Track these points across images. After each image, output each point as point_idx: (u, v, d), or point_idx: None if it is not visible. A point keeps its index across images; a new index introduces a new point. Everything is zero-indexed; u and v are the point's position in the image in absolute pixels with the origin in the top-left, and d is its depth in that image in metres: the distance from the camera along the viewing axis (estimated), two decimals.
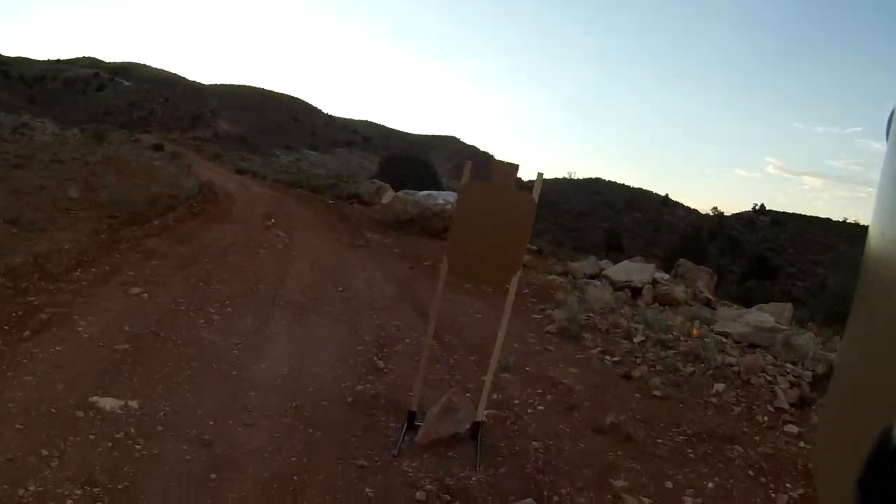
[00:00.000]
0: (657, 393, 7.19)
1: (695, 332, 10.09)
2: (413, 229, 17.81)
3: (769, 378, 7.99)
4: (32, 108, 77.64)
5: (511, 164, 4.91)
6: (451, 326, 8.85)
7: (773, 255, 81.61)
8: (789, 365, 8.78)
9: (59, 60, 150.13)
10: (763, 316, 12.21)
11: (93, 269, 8.67)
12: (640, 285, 13.91)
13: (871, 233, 0.71)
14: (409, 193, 19.44)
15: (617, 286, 13.90)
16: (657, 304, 13.31)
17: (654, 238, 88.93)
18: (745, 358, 8.58)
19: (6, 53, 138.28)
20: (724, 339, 10.17)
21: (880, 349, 0.58)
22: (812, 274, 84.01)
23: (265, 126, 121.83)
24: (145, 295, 7.95)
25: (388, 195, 22.08)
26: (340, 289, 10.06)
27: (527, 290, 11.84)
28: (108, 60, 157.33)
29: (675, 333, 9.73)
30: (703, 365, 8.31)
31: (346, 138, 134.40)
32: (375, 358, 7.03)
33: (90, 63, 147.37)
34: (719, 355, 8.54)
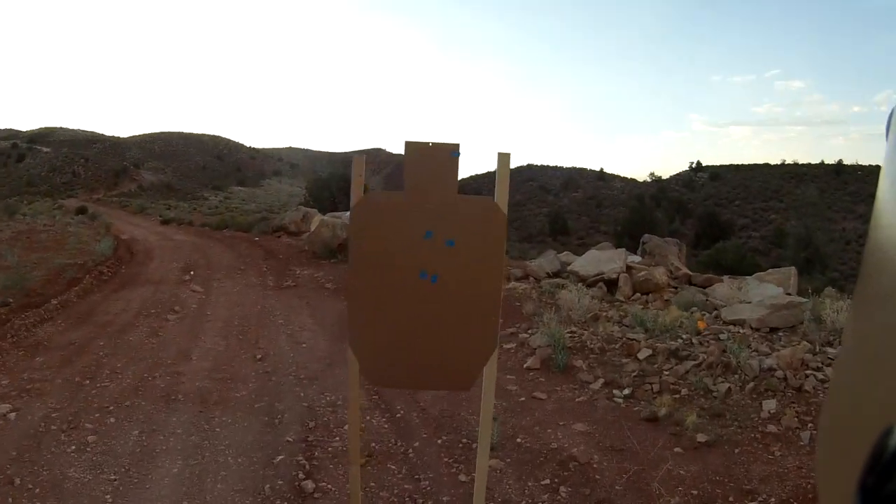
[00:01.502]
0: (701, 439, 5.29)
1: (701, 325, 8.47)
2: (346, 255, 15.79)
3: (818, 375, 6.39)
4: None
5: (444, 145, 2.83)
6: (404, 390, 6.79)
7: (720, 210, 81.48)
8: (830, 349, 7.23)
9: None
10: (769, 289, 10.59)
11: None
12: (614, 276, 12.20)
13: (872, 235, 0.63)
14: (335, 216, 17.69)
15: (588, 281, 12.14)
16: (638, 294, 11.63)
17: (598, 214, 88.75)
18: (778, 353, 6.84)
19: None
20: (741, 330, 8.42)
21: (881, 348, 0.54)
22: (765, 221, 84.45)
23: (190, 170, 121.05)
24: (12, 415, 6.15)
25: (317, 221, 20.08)
26: (259, 356, 8.08)
27: None
28: (24, 129, 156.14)
29: (683, 337, 7.91)
30: (736, 376, 6.52)
31: (273, 168, 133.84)
32: (301, 473, 4.92)
33: (8, 134, 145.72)
34: (753, 359, 6.71)
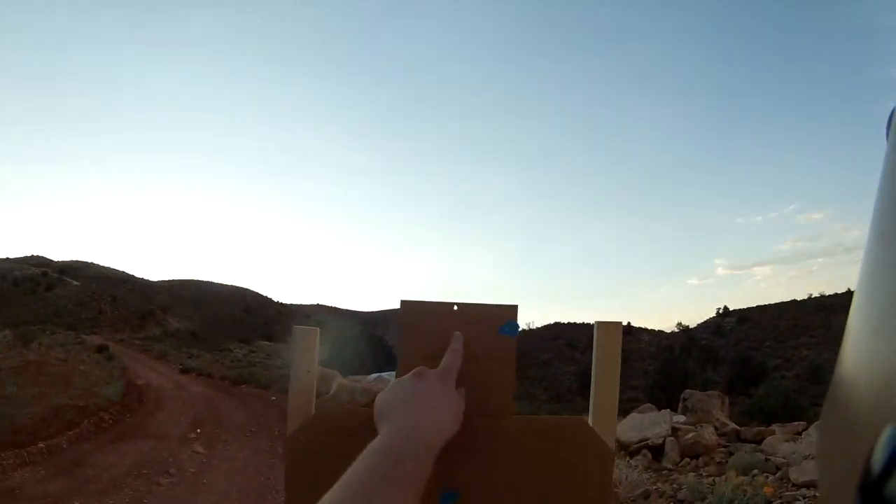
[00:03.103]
0: None
1: (768, 490, 7.63)
2: None
3: None
4: None
5: (485, 310, 1.29)
6: None
7: (752, 353, 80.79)
8: None
9: (7, 259, 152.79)
10: None
11: None
12: (660, 441, 11.08)
13: (871, 234, 0.65)
14: (355, 380, 16.96)
15: (631, 448, 11.05)
16: (687, 459, 10.52)
17: (627, 369, 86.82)
18: None
19: None
20: (816, 494, 7.37)
21: (881, 349, 0.55)
22: (797, 359, 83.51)
23: (217, 320, 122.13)
24: None
25: (337, 383, 19.33)
26: None
27: None
28: (56, 259, 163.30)
29: None
30: None
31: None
32: None
33: (39, 262, 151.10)
34: None
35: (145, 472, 9.70)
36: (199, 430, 13.79)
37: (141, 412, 15.93)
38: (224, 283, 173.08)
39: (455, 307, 1.30)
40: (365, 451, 0.89)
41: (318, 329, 1.35)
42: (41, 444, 10.45)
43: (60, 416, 12.59)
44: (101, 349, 36.83)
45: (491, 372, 1.28)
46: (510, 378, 1.28)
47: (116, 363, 28.90)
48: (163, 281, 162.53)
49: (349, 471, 0.87)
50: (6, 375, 15.45)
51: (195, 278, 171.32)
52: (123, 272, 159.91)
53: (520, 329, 1.24)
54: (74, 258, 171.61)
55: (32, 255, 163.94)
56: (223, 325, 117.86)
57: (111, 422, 13.88)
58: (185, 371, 33.22)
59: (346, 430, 1.27)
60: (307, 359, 1.38)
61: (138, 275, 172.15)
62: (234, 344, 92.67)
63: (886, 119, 0.70)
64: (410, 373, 1.09)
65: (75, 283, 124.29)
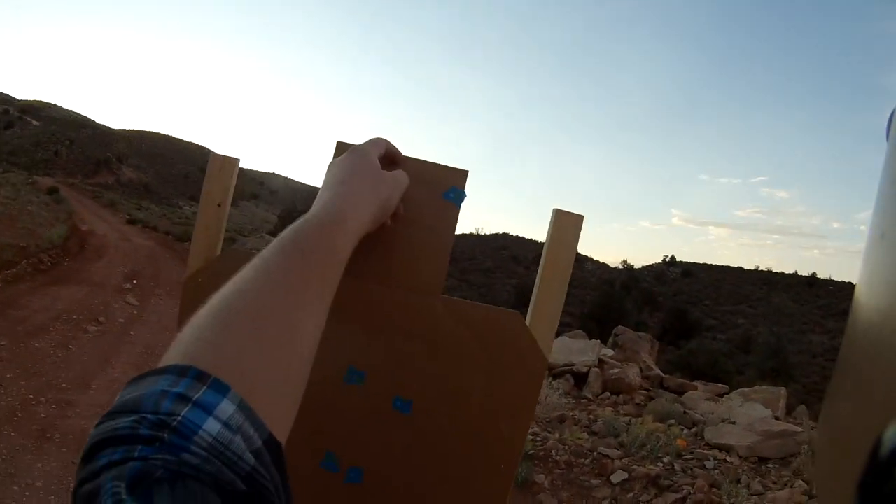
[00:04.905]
0: None
1: (682, 443, 7.60)
2: None
3: None
4: None
5: (426, 167, 1.13)
6: None
7: (689, 307, 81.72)
8: None
9: None
10: (756, 409, 9.60)
11: None
12: (585, 369, 11.15)
13: (872, 235, 0.63)
14: None
15: (555, 371, 11.13)
16: (608, 394, 10.65)
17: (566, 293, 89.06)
18: (774, 495, 6.00)
19: None
20: (727, 458, 7.43)
21: (879, 349, 0.54)
22: (732, 325, 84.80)
23: (172, 175, 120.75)
24: None
25: None
26: None
27: None
28: (19, 98, 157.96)
29: (664, 460, 6.93)
30: None
31: (253, 191, 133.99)
32: None
33: (1, 99, 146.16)
34: (746, 498, 5.71)
35: (75, 317, 9.60)
36: (134, 282, 13.69)
37: (80, 258, 15.79)
38: (184, 139, 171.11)
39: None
40: (275, 240, 0.78)
41: (239, 160, 1.09)
42: None
43: None
44: (51, 191, 36.88)
45: (425, 241, 1.12)
46: (445, 251, 1.13)
47: (64, 206, 28.65)
48: (123, 129, 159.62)
49: (258, 258, 0.74)
50: None
51: (156, 130, 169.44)
52: (85, 116, 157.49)
53: (466, 198, 1.08)
54: (38, 98, 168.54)
55: None
56: (177, 181, 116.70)
57: (49, 264, 13.73)
58: (131, 222, 33.56)
59: None
60: (220, 191, 1.17)
61: (99, 120, 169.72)
62: (185, 201, 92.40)
63: (887, 120, 0.68)
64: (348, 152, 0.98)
65: (35, 122, 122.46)
